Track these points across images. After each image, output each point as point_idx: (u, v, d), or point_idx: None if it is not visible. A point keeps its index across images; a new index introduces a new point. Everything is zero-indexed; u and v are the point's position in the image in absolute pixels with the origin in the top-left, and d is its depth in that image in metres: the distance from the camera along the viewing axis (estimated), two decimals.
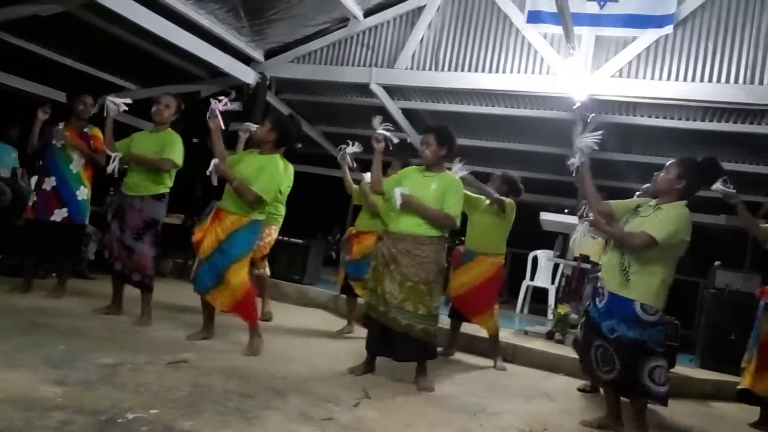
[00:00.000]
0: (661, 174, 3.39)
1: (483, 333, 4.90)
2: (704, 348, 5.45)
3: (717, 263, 5.61)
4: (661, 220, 3.19)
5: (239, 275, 3.85)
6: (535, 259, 8.00)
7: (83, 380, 2.75)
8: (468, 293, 4.72)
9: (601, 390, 3.70)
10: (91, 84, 7.63)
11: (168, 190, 4.46)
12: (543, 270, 7.88)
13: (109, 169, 4.30)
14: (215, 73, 7.66)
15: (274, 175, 3.93)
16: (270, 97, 8.15)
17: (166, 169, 4.33)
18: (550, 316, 6.67)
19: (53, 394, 2.51)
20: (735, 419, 4.35)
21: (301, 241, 7.02)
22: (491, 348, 4.88)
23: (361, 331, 4.62)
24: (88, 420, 2.27)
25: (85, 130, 4.73)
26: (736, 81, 6.06)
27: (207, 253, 3.86)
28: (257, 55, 7.67)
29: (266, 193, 3.86)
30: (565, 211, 6.78)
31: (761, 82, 5.98)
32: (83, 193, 4.70)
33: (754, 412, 4.27)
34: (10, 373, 2.69)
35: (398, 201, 3.67)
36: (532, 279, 7.90)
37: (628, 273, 3.20)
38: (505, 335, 5.53)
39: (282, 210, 5.19)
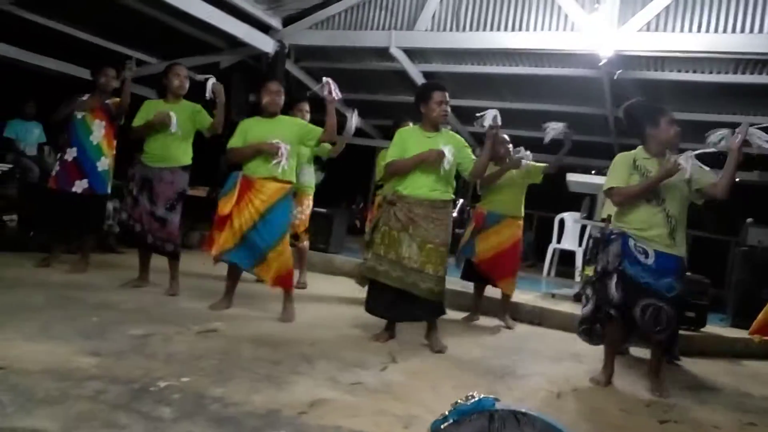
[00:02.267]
0: (674, 128, 3.36)
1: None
2: (735, 307, 5.38)
3: (749, 220, 5.48)
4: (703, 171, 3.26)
5: (286, 247, 3.99)
6: (561, 222, 7.91)
7: (116, 351, 2.81)
8: (496, 256, 4.71)
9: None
10: (109, 58, 7.66)
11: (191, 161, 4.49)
12: (570, 232, 7.80)
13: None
14: (234, 43, 7.60)
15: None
16: (289, 66, 8.08)
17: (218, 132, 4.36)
18: (578, 278, 6.61)
19: (87, 364, 2.57)
20: (767, 377, 4.30)
21: (325, 210, 7.04)
22: (503, 307, 4.88)
23: None
24: (121, 389, 2.33)
25: (107, 101, 4.74)
26: (762, 31, 5.80)
27: (248, 225, 3.88)
28: (275, 22, 7.58)
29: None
30: (593, 172, 6.66)
31: None
32: (104, 163, 4.72)
33: None
34: (46, 345, 2.77)
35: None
36: (558, 242, 7.83)
37: (674, 231, 3.26)
38: (532, 298, 5.52)
39: (312, 181, 5.23)
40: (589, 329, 3.51)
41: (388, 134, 4.57)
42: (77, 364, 2.56)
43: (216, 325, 3.53)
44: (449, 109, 3.75)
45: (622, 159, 3.45)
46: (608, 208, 5.44)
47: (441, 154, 3.61)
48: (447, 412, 0.57)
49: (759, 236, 5.30)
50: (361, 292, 5.43)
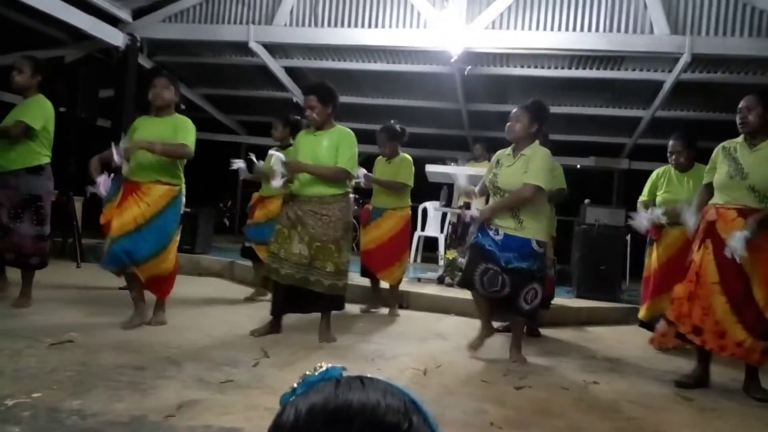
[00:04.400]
0: (514, 123, 3.69)
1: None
2: (579, 279, 5.96)
3: (587, 201, 6.08)
4: (535, 167, 3.57)
5: (172, 252, 3.85)
6: (425, 211, 8.28)
7: None
8: (377, 249, 4.86)
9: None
10: None
11: (48, 160, 4.06)
12: (432, 220, 8.20)
13: None
14: (79, 36, 7.08)
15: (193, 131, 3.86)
16: (142, 60, 7.68)
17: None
18: (441, 262, 6.98)
19: None
20: (608, 339, 4.83)
21: (189, 209, 6.78)
22: (391, 297, 5.05)
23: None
24: None
25: None
26: (597, 29, 6.49)
27: (128, 228, 3.64)
28: (124, 14, 7.15)
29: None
30: (449, 163, 7.03)
31: (619, 30, 6.44)
32: None
33: (623, 332, 4.78)
34: None
35: (279, 172, 3.66)
36: (423, 229, 8.19)
37: (520, 218, 3.60)
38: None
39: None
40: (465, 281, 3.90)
41: (252, 130, 4.55)
42: None
43: (71, 336, 3.31)
44: (315, 115, 3.73)
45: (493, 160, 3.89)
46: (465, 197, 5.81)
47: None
48: (295, 385, 0.62)
49: (595, 215, 5.89)
50: (233, 292, 5.38)
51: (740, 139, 3.47)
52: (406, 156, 4.97)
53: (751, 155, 3.35)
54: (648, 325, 4.48)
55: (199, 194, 8.97)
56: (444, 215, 7.77)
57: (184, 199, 3.92)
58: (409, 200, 5.04)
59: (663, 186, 4.48)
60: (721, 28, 6.26)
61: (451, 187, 6.35)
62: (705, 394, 3.31)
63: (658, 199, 4.46)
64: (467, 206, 5.82)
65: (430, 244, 8.17)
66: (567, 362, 3.89)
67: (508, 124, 3.73)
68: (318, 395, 0.58)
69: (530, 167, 3.57)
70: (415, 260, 8.00)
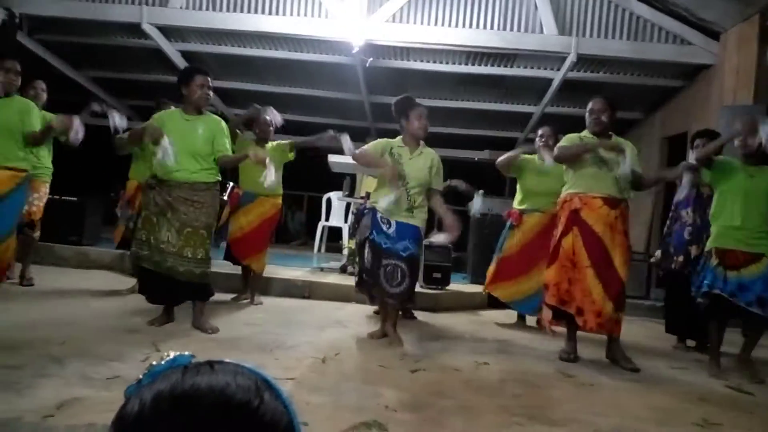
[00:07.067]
0: (423, 122, 3.88)
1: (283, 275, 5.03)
2: (473, 266, 6.21)
3: (480, 191, 6.33)
4: (440, 174, 3.93)
5: (14, 241, 3.67)
6: (329, 201, 8.28)
7: None
8: (244, 236, 4.77)
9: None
10: None
11: None
12: (336, 210, 8.21)
13: None
14: None
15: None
16: (22, 38, 7.11)
17: None
18: (344, 251, 7.02)
19: None
20: (497, 322, 5.08)
21: (75, 198, 6.40)
22: (254, 284, 4.92)
23: None
24: None
25: None
26: (492, 27, 6.75)
27: None
28: None
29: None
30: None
31: (512, 29, 6.74)
32: None
33: (512, 315, 5.04)
34: None
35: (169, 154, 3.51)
36: (327, 219, 8.20)
37: (413, 208, 3.80)
38: (302, 274, 5.74)
39: (50, 163, 4.69)
40: (366, 292, 4.13)
41: (146, 116, 4.35)
42: None
43: None
44: (211, 93, 3.74)
45: (378, 144, 3.96)
46: (367, 186, 5.88)
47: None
48: (141, 376, 0.60)
49: (488, 205, 6.15)
50: (123, 284, 5.12)
51: (587, 133, 3.85)
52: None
53: (605, 151, 3.73)
54: (497, 303, 4.92)
55: (86, 183, 8.49)
56: (347, 205, 7.81)
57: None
58: (281, 188, 4.92)
59: None
60: (603, 30, 6.72)
61: (353, 177, 6.39)
62: (584, 370, 3.58)
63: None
64: (368, 196, 5.92)
65: (335, 233, 8.19)
66: (460, 345, 4.06)
67: (424, 122, 3.88)
68: (164, 383, 0.56)
69: (437, 173, 3.91)
70: (319, 250, 8.00)
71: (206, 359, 0.62)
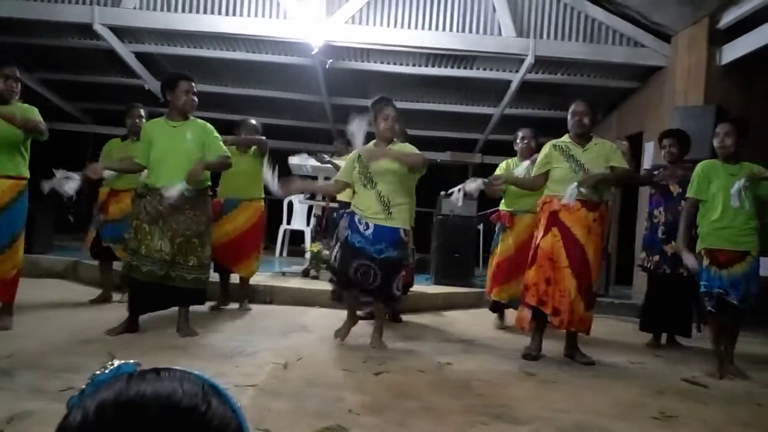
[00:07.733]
0: (389, 123, 3.86)
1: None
2: (437, 267, 6.24)
3: (442, 193, 6.37)
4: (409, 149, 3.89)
5: (19, 251, 3.63)
6: (290, 204, 8.20)
7: None
8: (232, 242, 4.69)
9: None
10: None
11: None
12: (298, 213, 8.14)
13: None
14: None
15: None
16: None
17: None
18: (307, 255, 6.95)
19: None
20: (461, 322, 5.11)
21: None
22: (241, 291, 4.91)
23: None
24: None
25: None
26: (451, 29, 6.80)
27: None
28: None
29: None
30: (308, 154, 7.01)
31: (471, 30, 6.81)
32: None
33: (476, 315, 5.08)
34: None
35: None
36: (288, 223, 8.11)
37: (390, 210, 3.75)
38: (264, 278, 5.65)
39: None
40: (338, 295, 4.12)
41: (99, 119, 4.26)
42: None
43: None
44: (196, 99, 3.74)
45: (348, 161, 4.00)
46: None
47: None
48: (84, 386, 0.58)
49: (450, 207, 6.17)
50: (77, 294, 4.96)
51: (566, 139, 3.89)
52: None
53: (585, 154, 3.82)
54: (499, 306, 4.82)
55: (37, 188, 8.19)
56: (309, 208, 7.75)
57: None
58: (263, 191, 4.91)
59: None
60: (560, 33, 6.85)
61: (314, 179, 6.34)
62: (546, 368, 3.62)
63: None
64: (332, 198, 5.89)
65: (296, 236, 8.11)
66: (424, 346, 4.06)
67: (390, 124, 3.85)
68: (108, 391, 0.54)
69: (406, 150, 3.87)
70: (281, 254, 7.91)
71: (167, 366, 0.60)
